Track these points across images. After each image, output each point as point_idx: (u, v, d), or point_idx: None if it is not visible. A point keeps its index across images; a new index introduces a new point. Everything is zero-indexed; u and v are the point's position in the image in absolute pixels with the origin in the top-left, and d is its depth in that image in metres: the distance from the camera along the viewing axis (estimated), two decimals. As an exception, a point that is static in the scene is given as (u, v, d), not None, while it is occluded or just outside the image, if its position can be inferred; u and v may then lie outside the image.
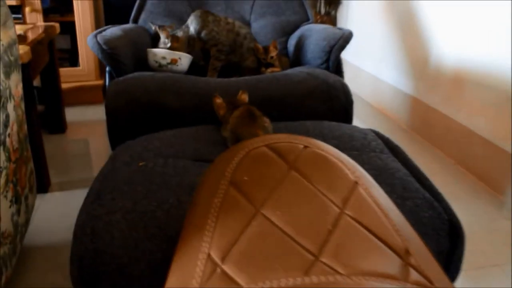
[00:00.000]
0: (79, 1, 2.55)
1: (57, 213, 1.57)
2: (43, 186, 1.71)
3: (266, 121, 1.09)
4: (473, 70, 1.84)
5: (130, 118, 1.27)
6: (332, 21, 3.34)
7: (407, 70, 2.40)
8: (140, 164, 0.91)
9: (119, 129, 1.28)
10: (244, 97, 1.18)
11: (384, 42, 2.64)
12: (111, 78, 1.50)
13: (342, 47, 1.50)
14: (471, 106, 1.86)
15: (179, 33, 1.66)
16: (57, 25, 2.15)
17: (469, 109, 1.87)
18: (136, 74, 1.39)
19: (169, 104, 1.27)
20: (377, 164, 0.96)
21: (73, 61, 2.82)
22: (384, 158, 0.99)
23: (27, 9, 2.53)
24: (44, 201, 1.65)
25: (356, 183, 0.68)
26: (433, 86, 2.15)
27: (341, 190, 0.66)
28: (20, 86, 1.30)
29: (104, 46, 1.42)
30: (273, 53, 1.73)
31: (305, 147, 0.72)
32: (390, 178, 0.91)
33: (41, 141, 1.72)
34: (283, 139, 0.73)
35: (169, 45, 1.61)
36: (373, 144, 1.06)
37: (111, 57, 1.44)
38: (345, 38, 1.51)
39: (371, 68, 2.82)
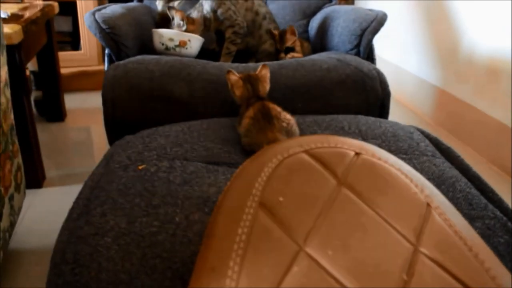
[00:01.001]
0: (81, -21, 2.37)
1: (51, 211, 1.41)
2: (37, 180, 1.55)
3: (286, 120, 0.88)
4: (510, 59, 1.65)
5: (130, 108, 1.09)
6: (349, 4, 3.14)
7: (433, 59, 2.21)
8: (140, 167, 0.74)
9: (118, 120, 1.09)
10: (265, 72, 0.98)
11: (407, 28, 2.44)
12: (110, 62, 1.32)
13: (376, 30, 1.31)
14: (507, 99, 1.67)
15: (194, 14, 1.47)
16: (55, 4, 1.97)
17: (505, 102, 1.68)
18: (139, 57, 1.21)
19: (177, 93, 1.09)
20: (433, 171, 0.78)
21: (75, 44, 2.65)
22: (438, 164, 0.81)
23: (25, -12, 2.35)
24: (37, 197, 1.49)
25: (428, 205, 0.50)
26: (464, 77, 1.96)
27: (411, 216, 0.48)
28: (5, 69, 1.12)
29: (102, 25, 1.24)
30: (290, 42, 1.53)
31: (357, 154, 0.54)
32: (452, 191, 0.73)
33: (34, 131, 1.56)
34: (327, 142, 0.55)
35: (184, 27, 1.42)
36: (422, 146, 0.88)
37: (111, 38, 1.25)
38: (379, 20, 1.31)
39: (392, 56, 2.62)
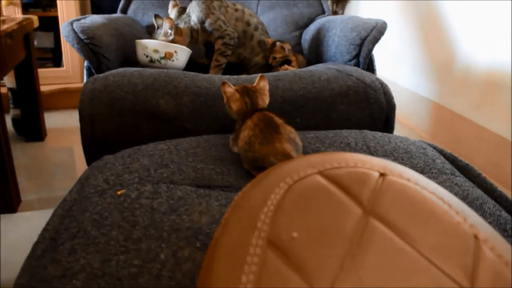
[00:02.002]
0: (62, -6, 2.28)
1: (26, 238, 1.28)
2: (11, 204, 1.43)
3: (292, 131, 0.78)
4: (508, 71, 1.57)
5: (111, 124, 0.98)
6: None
7: (428, 73, 2.14)
8: (119, 192, 0.63)
9: (97, 139, 0.98)
10: (264, 84, 0.87)
11: (401, 43, 2.38)
12: (89, 75, 1.21)
13: (376, 39, 1.22)
14: (506, 112, 1.59)
15: (181, 25, 1.37)
16: (35, 17, 1.88)
17: (504, 115, 1.60)
18: (120, 70, 1.09)
19: (162, 107, 0.98)
20: (456, 192, 0.68)
21: (57, 61, 2.54)
22: (460, 183, 0.71)
23: (3, 2, 2.26)
24: (10, 223, 1.37)
25: (476, 238, 0.40)
26: (460, 91, 1.88)
27: (460, 253, 0.38)
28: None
29: (81, 35, 1.13)
30: (278, 54, 1.44)
31: (382, 174, 0.44)
32: (481, 215, 0.63)
33: (9, 151, 1.44)
34: (344, 161, 0.45)
35: (171, 37, 1.32)
36: (439, 163, 0.78)
37: (90, 49, 1.15)
38: (379, 29, 1.23)
39: (385, 71, 2.55)
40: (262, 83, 0.87)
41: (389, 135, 0.89)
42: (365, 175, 0.43)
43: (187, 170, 0.71)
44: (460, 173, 0.78)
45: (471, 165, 0.81)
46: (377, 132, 0.90)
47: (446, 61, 1.97)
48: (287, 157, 0.70)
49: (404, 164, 0.76)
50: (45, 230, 0.59)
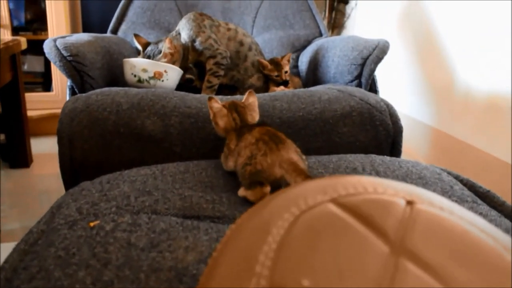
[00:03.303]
0: (53, 17, 2.23)
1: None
2: (-13, 235, 1.34)
3: (298, 149, 0.71)
4: (509, 95, 1.51)
5: (92, 147, 0.88)
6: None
7: (426, 98, 2.08)
8: (92, 224, 0.54)
9: (76, 163, 0.89)
10: (253, 100, 0.82)
11: (397, 69, 2.34)
12: (73, 96, 1.13)
13: (379, 58, 1.15)
14: (508, 136, 1.52)
15: (174, 42, 1.30)
16: (23, 39, 1.82)
17: (506, 140, 1.53)
18: (105, 89, 1.01)
19: (148, 129, 0.89)
20: (481, 223, 0.59)
21: (47, 85, 2.47)
22: (485, 212, 0.63)
23: (-6, 23, 2.20)
24: (-15, 255, 1.27)
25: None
26: (460, 116, 1.82)
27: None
28: None
29: (63, 52, 1.05)
30: (287, 67, 1.38)
31: (408, 202, 0.36)
32: (514, 250, 0.54)
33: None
34: (361, 186, 0.36)
35: (166, 58, 1.23)
36: (458, 190, 0.69)
37: (73, 66, 1.06)
38: (382, 48, 1.16)
39: (384, 97, 2.50)
40: (251, 99, 0.81)
41: (399, 159, 0.81)
42: (389, 203, 0.35)
43: (173, 198, 0.62)
44: (481, 201, 0.70)
45: (493, 192, 0.72)
46: (385, 157, 0.81)
47: (445, 86, 1.92)
48: (294, 165, 0.63)
49: (419, 191, 0.68)
50: (1, 269, 0.49)
